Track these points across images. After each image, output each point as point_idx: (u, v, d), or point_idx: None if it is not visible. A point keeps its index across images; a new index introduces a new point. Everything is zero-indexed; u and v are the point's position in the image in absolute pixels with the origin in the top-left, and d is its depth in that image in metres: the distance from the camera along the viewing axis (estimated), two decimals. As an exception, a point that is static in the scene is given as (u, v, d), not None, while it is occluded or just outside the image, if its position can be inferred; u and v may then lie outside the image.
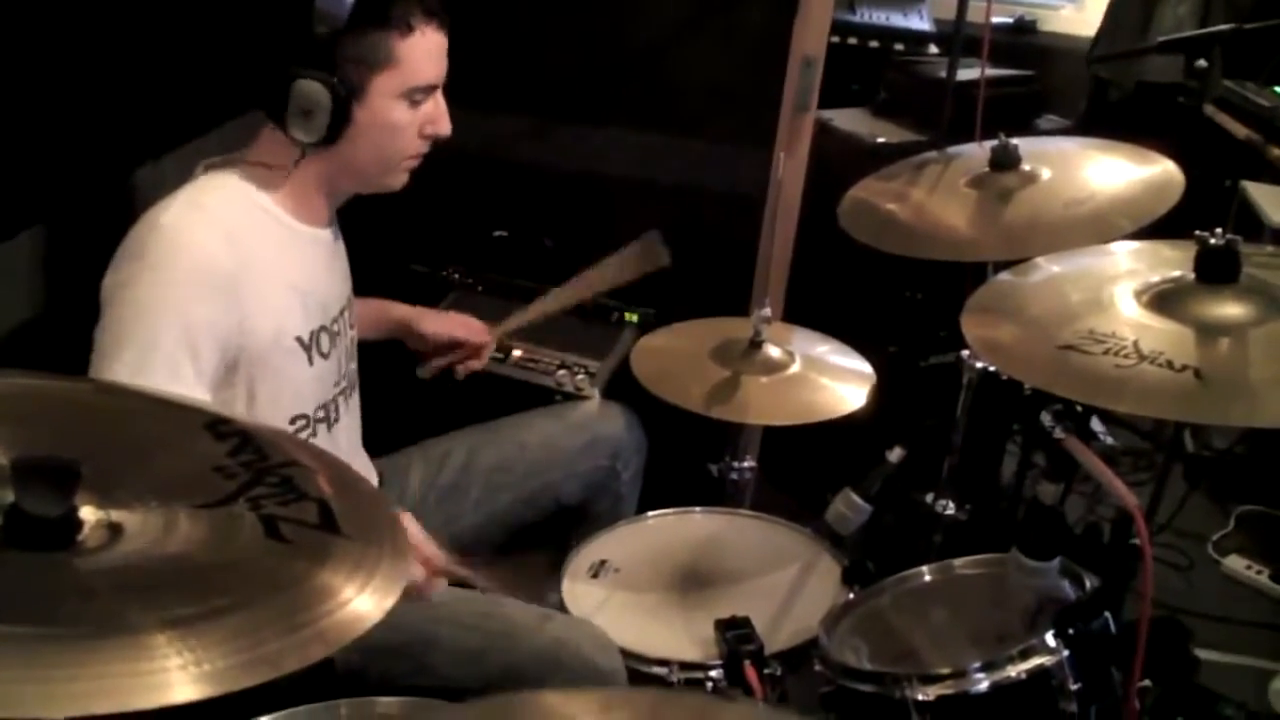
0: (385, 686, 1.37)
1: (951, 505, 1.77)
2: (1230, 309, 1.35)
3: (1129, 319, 1.37)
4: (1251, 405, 1.25)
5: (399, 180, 1.54)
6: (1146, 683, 1.67)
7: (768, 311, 1.79)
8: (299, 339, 1.50)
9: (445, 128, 1.52)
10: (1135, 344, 1.31)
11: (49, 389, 1.01)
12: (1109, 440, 2.58)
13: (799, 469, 2.19)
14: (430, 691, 1.37)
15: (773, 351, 1.79)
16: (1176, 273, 1.43)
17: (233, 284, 1.39)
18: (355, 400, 1.69)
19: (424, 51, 1.46)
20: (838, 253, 1.94)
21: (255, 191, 1.47)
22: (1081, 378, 1.30)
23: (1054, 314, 1.44)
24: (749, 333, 1.78)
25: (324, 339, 1.54)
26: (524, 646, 1.45)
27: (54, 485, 0.85)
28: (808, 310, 2.11)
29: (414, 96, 1.47)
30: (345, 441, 1.65)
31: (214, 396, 1.40)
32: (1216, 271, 1.37)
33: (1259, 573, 2.44)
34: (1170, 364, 1.27)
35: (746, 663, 1.38)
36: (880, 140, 2.68)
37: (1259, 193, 2.79)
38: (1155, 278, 1.44)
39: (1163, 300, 1.39)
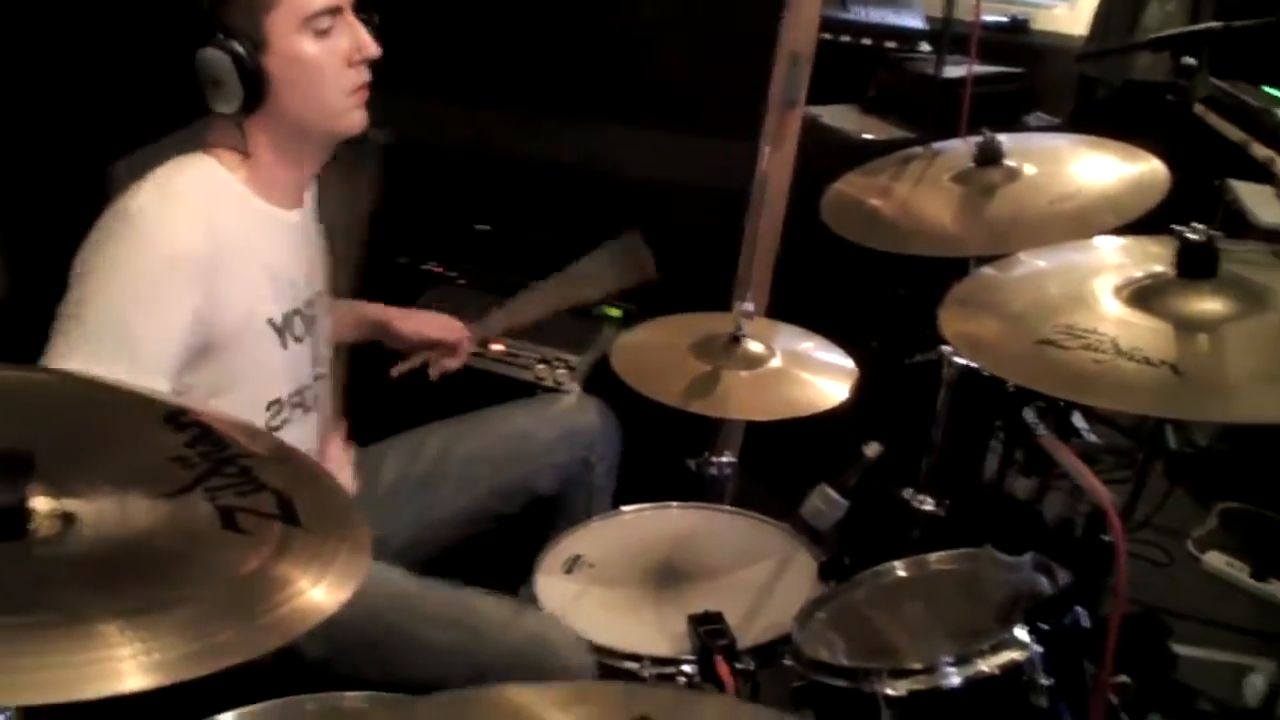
0: (355, 683, 1.35)
1: (930, 501, 1.76)
2: (1209, 305, 1.34)
3: (1109, 315, 1.36)
4: (1228, 401, 1.24)
5: (353, 120, 1.51)
6: (1124, 679, 1.67)
7: (749, 306, 1.78)
8: (270, 321, 1.49)
9: (370, 49, 1.49)
10: (1113, 339, 1.30)
11: (5, 379, 1.00)
12: (1092, 438, 2.57)
13: (782, 465, 2.18)
14: (400, 688, 1.36)
15: (754, 347, 1.78)
16: (1158, 268, 1.42)
17: (205, 267, 1.38)
18: (335, 391, 1.68)
19: None
20: (825, 249, 1.93)
21: (223, 173, 1.46)
22: (1058, 373, 1.29)
23: (1034, 309, 1.43)
24: (730, 328, 1.77)
25: (298, 323, 1.54)
26: (495, 644, 1.44)
27: (6, 475, 0.84)
28: (794, 306, 2.10)
29: (316, 26, 1.44)
30: (323, 431, 1.64)
31: (185, 380, 1.39)
32: (1195, 267, 1.36)
33: (1240, 570, 2.44)
34: (1148, 360, 1.26)
35: (718, 657, 1.37)
36: (867, 136, 2.67)
37: (1246, 191, 2.79)
38: (1137, 273, 1.43)
39: (1143, 296, 1.38)
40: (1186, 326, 1.31)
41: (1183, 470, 2.65)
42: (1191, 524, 2.57)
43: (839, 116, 2.78)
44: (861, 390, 1.73)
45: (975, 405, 1.80)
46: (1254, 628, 2.24)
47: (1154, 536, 2.46)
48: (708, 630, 1.42)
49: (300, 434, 1.56)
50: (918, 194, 1.88)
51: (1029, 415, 1.54)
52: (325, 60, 1.45)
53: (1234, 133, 3.13)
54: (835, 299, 2.35)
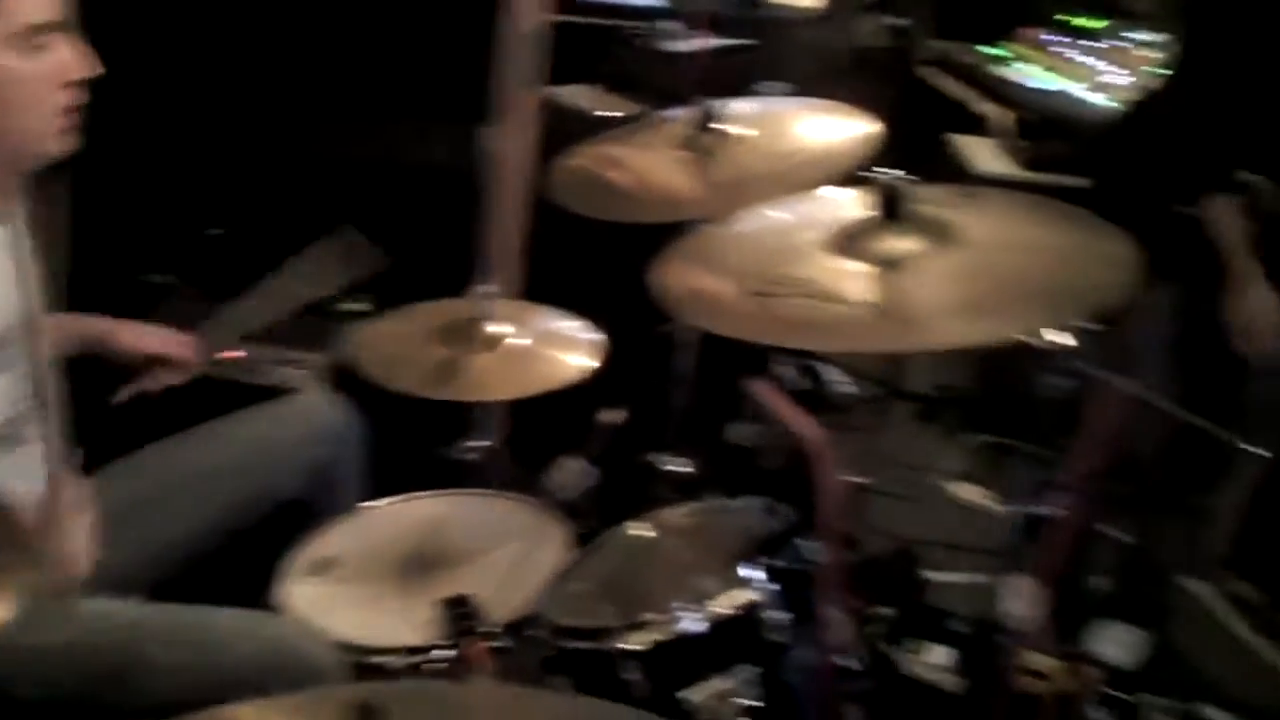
0: (98, 714, 1.28)
1: (679, 462, 1.80)
2: (905, 244, 1.41)
3: (819, 262, 1.42)
4: (923, 332, 1.32)
5: (57, 144, 1.42)
6: (880, 609, 1.75)
7: (490, 288, 1.78)
8: None
9: (85, 69, 1.40)
10: (822, 285, 1.36)
11: None
12: (848, 388, 2.68)
13: (548, 445, 2.19)
14: (147, 713, 1.29)
15: (497, 328, 1.78)
16: (863, 215, 1.49)
17: None
18: (53, 419, 1.57)
19: None
20: (577, 227, 1.95)
21: None
22: (771, 322, 1.35)
23: (749, 263, 1.48)
24: (473, 313, 1.76)
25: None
26: (236, 653, 1.39)
27: None
28: (552, 286, 2.10)
29: (27, 43, 1.34)
30: (38, 464, 1.53)
31: None
32: (890, 210, 1.44)
33: (989, 498, 2.59)
34: (852, 300, 1.33)
35: (470, 638, 1.36)
36: (602, 114, 2.71)
37: (965, 143, 2.97)
38: (844, 221, 1.49)
39: (848, 242, 1.45)
40: (886, 266, 1.38)
41: (934, 411, 2.80)
42: (943, 460, 2.71)
43: (576, 95, 2.80)
44: (621, 363, 1.75)
45: (722, 363, 1.85)
46: (1002, 548, 2.37)
47: (905, 474, 2.58)
48: (458, 613, 1.41)
49: (12, 469, 1.45)
50: (649, 163, 1.92)
51: (779, 369, 1.59)
52: (34, 79, 1.35)
53: (955, 90, 3.33)
54: (590, 275, 2.37)
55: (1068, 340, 1.47)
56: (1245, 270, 2.06)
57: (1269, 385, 2.08)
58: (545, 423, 2.00)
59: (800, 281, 1.39)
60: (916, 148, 2.69)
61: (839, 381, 2.72)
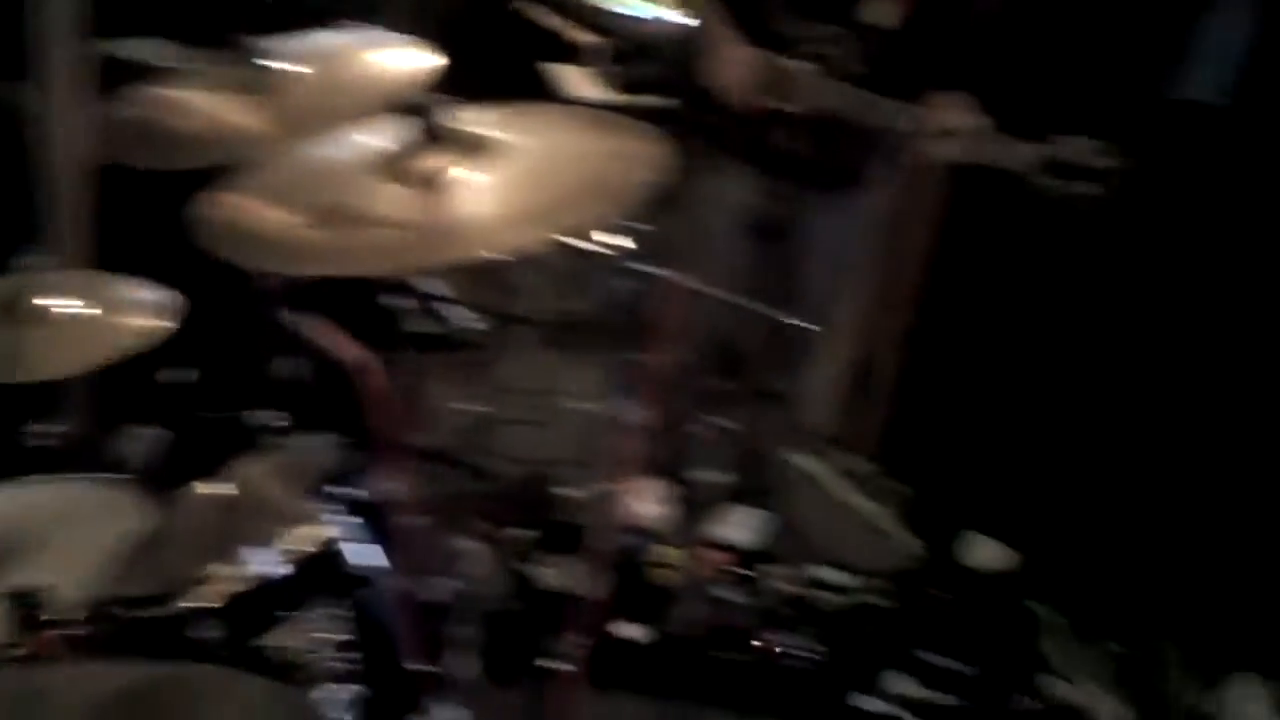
0: None
1: (271, 415, 1.75)
2: (448, 164, 1.42)
3: (370, 188, 1.41)
4: (470, 245, 1.34)
5: None
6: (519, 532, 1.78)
7: (40, 260, 1.65)
8: None
9: None
10: (368, 210, 1.36)
11: None
12: (472, 323, 2.69)
13: (140, 416, 2.06)
14: None
15: (49, 302, 1.65)
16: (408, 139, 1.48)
17: None
18: None
19: None
20: (149, 183, 1.82)
21: None
22: (325, 253, 1.34)
23: (302, 197, 1.44)
24: (20, 288, 1.63)
25: None
26: None
27: None
28: (128, 250, 1.96)
29: None
30: None
31: None
32: (430, 132, 1.44)
33: (612, 411, 2.68)
34: (394, 223, 1.33)
35: (39, 629, 1.27)
36: (165, 65, 2.55)
37: (559, 71, 3.02)
38: (392, 147, 1.48)
39: (396, 166, 1.44)
40: (424, 186, 1.39)
41: (556, 336, 2.86)
42: (568, 381, 2.78)
43: (140, 49, 2.61)
44: (208, 319, 1.67)
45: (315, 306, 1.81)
46: (619, 456, 2.46)
47: (532, 399, 2.62)
48: (21, 607, 1.31)
49: None
50: (207, 107, 1.84)
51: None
52: None
53: (550, 20, 3.39)
54: (166, 232, 2.23)
55: (625, 242, 1.54)
56: (718, 32, 2.19)
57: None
58: (133, 394, 1.88)
59: (350, 209, 1.38)
60: (512, 78, 2.72)
61: (462, 317, 2.73)
